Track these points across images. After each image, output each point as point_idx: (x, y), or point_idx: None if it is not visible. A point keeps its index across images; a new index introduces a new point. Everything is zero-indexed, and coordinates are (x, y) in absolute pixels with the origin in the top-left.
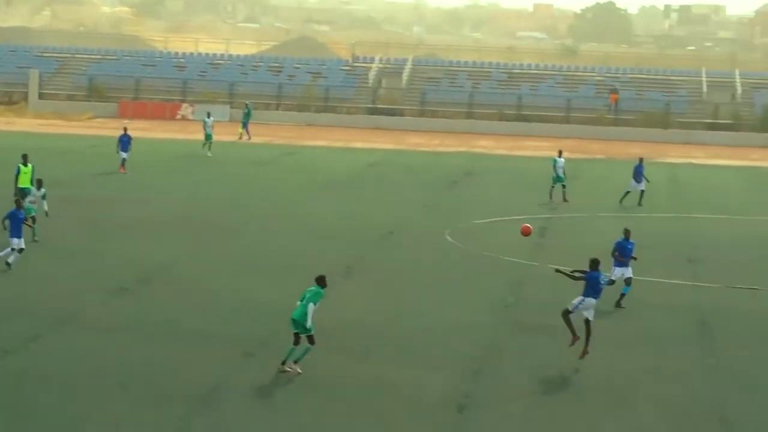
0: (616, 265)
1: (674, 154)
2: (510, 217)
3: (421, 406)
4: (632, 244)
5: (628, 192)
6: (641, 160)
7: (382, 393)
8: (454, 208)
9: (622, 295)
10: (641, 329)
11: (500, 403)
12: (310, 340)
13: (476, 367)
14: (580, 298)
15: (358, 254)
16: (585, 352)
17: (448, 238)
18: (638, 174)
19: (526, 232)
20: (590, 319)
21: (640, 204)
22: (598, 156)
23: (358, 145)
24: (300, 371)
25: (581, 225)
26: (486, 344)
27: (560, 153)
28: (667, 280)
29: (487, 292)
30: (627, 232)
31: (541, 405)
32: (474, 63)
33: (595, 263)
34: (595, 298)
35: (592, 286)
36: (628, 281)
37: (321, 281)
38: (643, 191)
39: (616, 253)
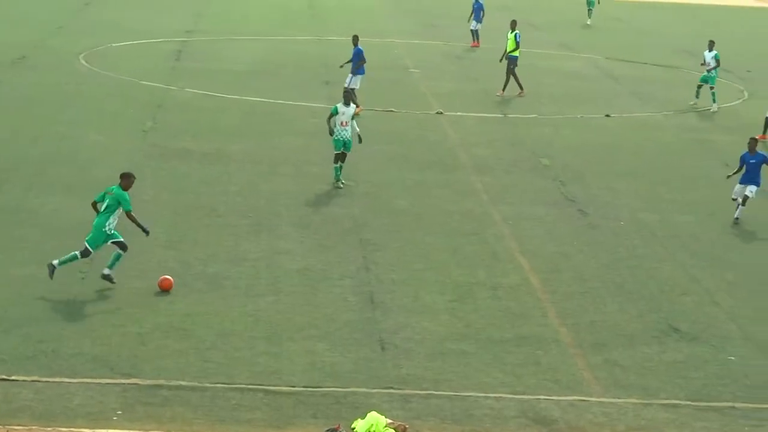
0: None
1: None
2: (146, 40)
3: (58, 232)
4: None
5: None
6: None
7: (20, 219)
8: (89, 30)
9: None
10: (284, 151)
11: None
12: (121, 246)
13: None
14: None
15: None
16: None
17: (83, 61)
18: None
19: (165, 286)
20: None
21: None
22: None
23: None
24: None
25: (216, 47)
26: (125, 168)
27: None
28: (305, 103)
29: (125, 117)
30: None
31: (180, 224)
32: None
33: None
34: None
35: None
36: None
37: (125, 179)
38: None
39: None
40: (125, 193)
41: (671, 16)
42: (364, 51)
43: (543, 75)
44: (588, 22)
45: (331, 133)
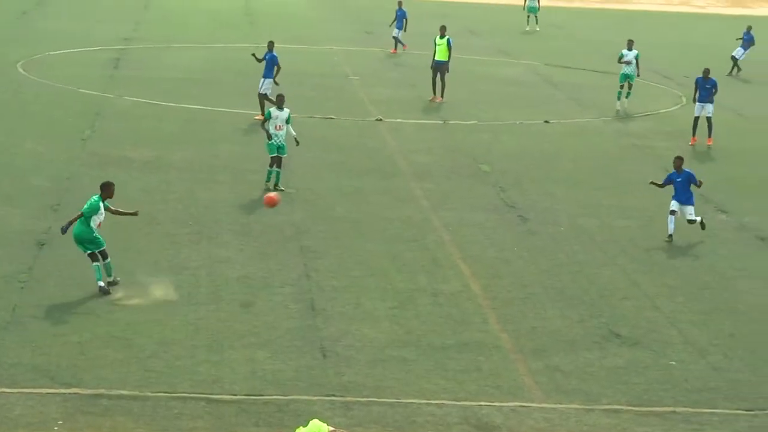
0: None
1: None
2: (84, 48)
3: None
4: None
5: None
6: None
7: None
8: (26, 38)
9: None
10: (223, 159)
11: None
12: (92, 257)
13: (55, 201)
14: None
15: None
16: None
17: (21, 69)
18: None
19: (272, 202)
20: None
21: None
22: None
23: None
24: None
25: (154, 55)
26: (64, 178)
27: None
28: (244, 111)
29: (64, 125)
30: None
31: (120, 233)
32: None
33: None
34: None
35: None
36: None
37: (105, 189)
38: None
39: None
40: (96, 202)
41: (609, 22)
42: (278, 57)
43: (482, 81)
44: (537, 28)
45: (269, 137)
